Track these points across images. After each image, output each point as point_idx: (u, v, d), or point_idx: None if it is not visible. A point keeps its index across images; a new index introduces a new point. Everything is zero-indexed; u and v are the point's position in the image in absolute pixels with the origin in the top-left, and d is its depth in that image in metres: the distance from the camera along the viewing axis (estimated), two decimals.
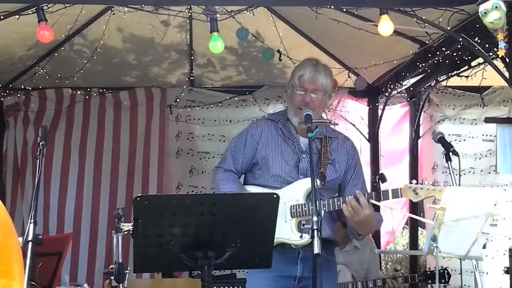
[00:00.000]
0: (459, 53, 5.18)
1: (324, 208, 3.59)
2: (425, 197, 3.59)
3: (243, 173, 3.90)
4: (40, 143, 3.51)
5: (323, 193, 3.67)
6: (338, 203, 3.59)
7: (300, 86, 3.72)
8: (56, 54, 5.98)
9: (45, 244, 3.16)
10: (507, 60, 4.08)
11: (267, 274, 3.53)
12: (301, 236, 3.61)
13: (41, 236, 3.11)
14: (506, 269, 5.00)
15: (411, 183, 3.58)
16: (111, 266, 3.30)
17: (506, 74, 4.13)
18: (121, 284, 3.31)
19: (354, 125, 6.79)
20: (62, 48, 5.96)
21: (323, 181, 3.68)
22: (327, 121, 3.89)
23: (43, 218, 6.31)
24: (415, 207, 6.73)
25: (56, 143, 6.47)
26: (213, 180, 3.92)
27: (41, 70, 6.10)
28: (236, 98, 6.72)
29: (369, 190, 4.13)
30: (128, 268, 3.30)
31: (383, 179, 6.26)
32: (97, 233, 6.40)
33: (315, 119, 3.58)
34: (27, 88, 6.38)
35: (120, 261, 3.30)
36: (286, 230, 3.63)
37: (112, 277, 3.29)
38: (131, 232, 2.97)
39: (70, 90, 6.51)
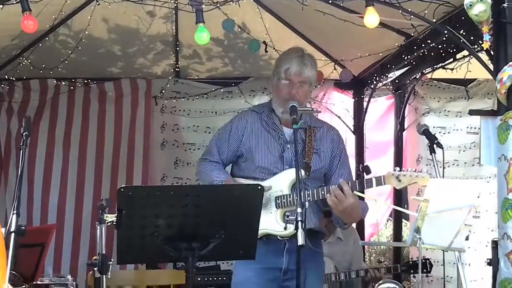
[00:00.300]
0: (444, 45, 5.20)
1: (309, 198, 3.59)
2: (408, 184, 3.59)
3: (227, 165, 3.89)
4: (24, 134, 3.48)
5: (308, 183, 3.67)
6: (323, 192, 3.59)
7: (286, 78, 3.70)
8: (40, 45, 5.95)
9: (28, 235, 3.14)
10: (492, 52, 4.10)
11: (253, 266, 3.53)
12: (285, 228, 3.61)
13: (23, 227, 3.09)
14: (488, 260, 5.03)
15: (394, 170, 3.58)
16: (94, 258, 3.28)
17: (491, 66, 4.15)
18: (104, 276, 3.30)
19: (339, 117, 6.80)
20: (47, 38, 5.93)
21: (308, 171, 3.68)
22: (311, 109, 3.88)
23: (26, 209, 6.27)
24: (399, 199, 6.78)
25: (40, 134, 6.44)
26: (198, 171, 3.88)
27: (25, 61, 6.06)
28: (221, 90, 6.71)
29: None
30: (112, 260, 3.28)
31: (367, 171, 6.29)
32: (81, 224, 6.37)
33: (300, 107, 3.59)
34: (11, 78, 6.33)
35: (104, 252, 3.28)
36: (271, 221, 3.63)
37: (95, 269, 3.27)
38: (114, 223, 2.96)
39: (55, 81, 6.47)
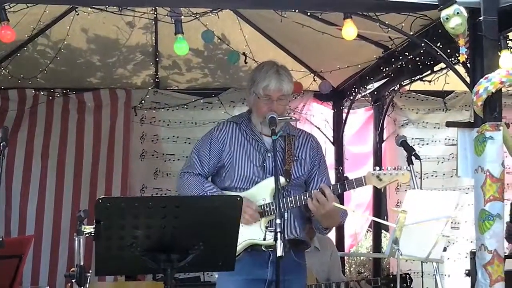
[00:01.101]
0: (422, 58, 5.25)
1: (292, 205, 3.61)
2: (389, 182, 3.62)
3: (209, 176, 3.88)
4: (1, 144, 3.46)
5: (290, 190, 3.69)
6: (305, 198, 3.61)
7: (265, 95, 3.71)
8: (19, 54, 5.91)
9: (5, 246, 3.11)
10: (468, 65, 4.14)
11: (238, 277, 3.53)
12: (264, 238, 3.61)
13: (1, 239, 3.07)
14: (467, 271, 5.07)
15: (374, 169, 3.60)
16: (72, 269, 3.26)
17: (467, 79, 4.19)
18: (82, 287, 3.27)
19: (319, 128, 6.83)
20: (25, 48, 5.90)
21: (288, 177, 3.69)
22: (289, 118, 3.90)
23: (4, 219, 6.23)
24: (379, 210, 6.81)
25: (18, 144, 6.39)
26: (181, 185, 3.82)
27: (4, 70, 6.02)
28: (201, 101, 6.71)
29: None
30: (90, 271, 3.26)
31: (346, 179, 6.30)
32: (60, 235, 6.32)
33: (279, 117, 3.63)
34: None
35: (82, 264, 3.26)
36: (255, 231, 3.64)
37: (73, 280, 3.25)
38: (93, 234, 2.94)
39: (33, 91, 6.43)
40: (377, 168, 3.63)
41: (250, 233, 3.59)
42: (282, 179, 3.54)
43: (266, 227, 3.63)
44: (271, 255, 3.63)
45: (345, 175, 6.63)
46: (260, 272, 3.65)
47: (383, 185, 3.63)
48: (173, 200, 3.27)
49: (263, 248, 3.65)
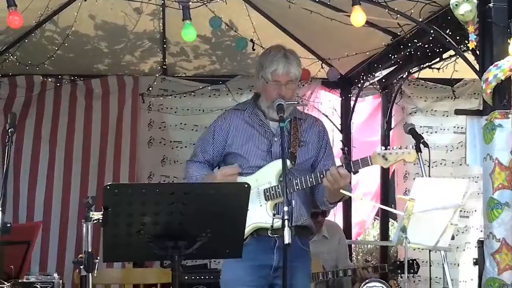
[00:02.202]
0: (431, 45, 5.21)
1: (297, 187, 3.60)
2: (394, 162, 3.61)
3: (215, 165, 3.89)
4: (9, 130, 3.46)
5: (296, 174, 3.69)
6: (311, 179, 3.60)
7: (273, 80, 3.70)
8: (26, 41, 5.90)
9: (14, 232, 3.13)
10: (478, 52, 4.12)
11: (243, 263, 3.50)
12: (272, 226, 3.61)
13: (9, 225, 3.08)
14: (474, 260, 5.06)
15: (380, 149, 3.59)
16: (80, 256, 3.26)
17: (477, 66, 4.17)
18: (90, 274, 3.28)
19: (326, 116, 6.81)
20: (33, 34, 5.88)
21: (294, 161, 3.69)
22: (297, 102, 3.89)
23: (12, 206, 6.24)
24: (386, 199, 6.80)
25: (26, 130, 6.40)
26: (186, 174, 3.87)
27: (11, 57, 6.02)
28: (209, 88, 6.70)
29: None
30: (98, 258, 3.27)
31: (356, 171, 6.27)
32: (67, 222, 6.34)
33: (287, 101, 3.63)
34: None
35: (90, 250, 3.27)
36: (262, 214, 3.63)
37: (81, 267, 3.26)
38: (101, 221, 2.94)
39: (41, 77, 6.43)
40: (383, 147, 3.62)
41: (256, 217, 3.59)
42: (287, 162, 3.53)
43: (274, 214, 3.62)
44: (277, 241, 3.63)
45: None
46: (266, 258, 3.66)
47: (389, 164, 3.62)
48: (181, 187, 3.28)
49: (269, 234, 3.65)
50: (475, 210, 6.48)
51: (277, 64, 3.68)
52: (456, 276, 6.52)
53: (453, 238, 3.55)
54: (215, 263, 5.33)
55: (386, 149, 3.60)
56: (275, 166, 3.66)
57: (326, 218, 5.88)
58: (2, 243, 2.96)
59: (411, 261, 5.36)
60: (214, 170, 3.82)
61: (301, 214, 3.72)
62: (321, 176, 3.58)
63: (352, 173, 3.66)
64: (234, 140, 3.78)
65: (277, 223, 3.53)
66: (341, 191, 3.53)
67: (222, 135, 3.80)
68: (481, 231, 6.42)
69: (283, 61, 3.69)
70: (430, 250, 4.03)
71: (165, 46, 6.29)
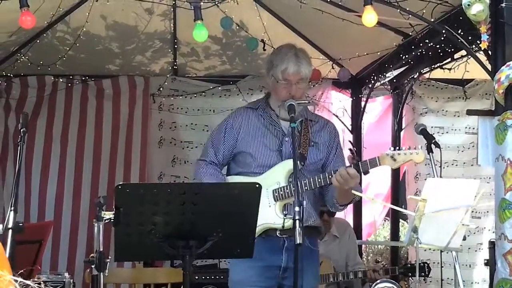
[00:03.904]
0: (442, 45, 5.20)
1: (306, 187, 3.59)
2: (403, 162, 3.59)
3: (225, 163, 3.88)
4: (21, 130, 3.48)
5: (306, 174, 3.68)
6: (319, 180, 3.60)
7: (284, 79, 3.69)
8: (38, 41, 5.93)
9: (26, 231, 3.13)
10: (490, 53, 4.10)
11: (252, 264, 3.51)
12: (283, 226, 3.60)
13: (21, 224, 3.09)
14: (486, 261, 5.04)
15: (389, 150, 3.57)
16: (91, 255, 3.27)
17: (489, 67, 4.15)
18: (101, 273, 3.29)
19: (337, 116, 6.80)
20: (45, 35, 5.91)
21: (303, 161, 3.68)
22: (307, 102, 3.88)
23: (24, 205, 6.26)
24: (397, 199, 6.78)
25: (37, 130, 6.43)
26: (196, 174, 3.87)
27: (23, 57, 6.04)
28: (219, 88, 6.70)
29: None
30: (109, 257, 3.27)
31: (365, 171, 6.27)
32: (78, 221, 6.36)
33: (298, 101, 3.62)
34: (9, 75, 6.32)
35: (101, 249, 3.27)
36: (271, 215, 3.63)
37: (92, 266, 3.27)
38: (112, 220, 2.95)
39: (52, 78, 6.46)
40: (391, 148, 3.60)
41: (265, 217, 3.57)
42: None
43: (285, 214, 3.62)
44: (286, 242, 3.63)
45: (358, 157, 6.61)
46: (275, 258, 3.65)
47: (398, 165, 3.61)
48: (192, 187, 3.28)
49: (277, 234, 3.64)
50: (487, 212, 6.46)
51: (288, 63, 3.67)
52: (468, 277, 6.50)
53: (464, 239, 3.54)
54: (225, 263, 5.33)
55: (394, 149, 3.58)
56: (285, 167, 3.66)
57: (336, 216, 5.87)
58: (15, 242, 2.96)
59: (422, 264, 5.34)
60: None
61: (310, 215, 3.71)
62: (330, 176, 3.58)
63: (362, 173, 3.65)
64: (244, 138, 3.78)
65: (288, 223, 3.53)
66: (353, 191, 3.52)
67: (233, 133, 3.80)
68: (494, 232, 6.42)
69: (294, 60, 3.68)
70: (441, 251, 4.01)
71: (176, 46, 6.30)
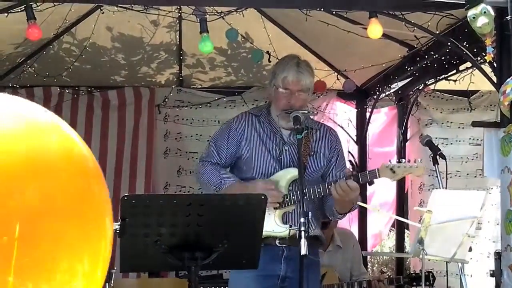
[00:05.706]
0: (447, 57, 5.21)
1: (305, 197, 3.58)
2: (402, 175, 3.57)
3: (227, 166, 3.87)
4: None
5: (305, 184, 3.66)
6: (319, 190, 3.59)
7: (284, 87, 3.70)
8: (44, 52, 5.96)
9: None
10: (495, 65, 4.11)
11: (251, 273, 3.50)
12: (288, 233, 3.60)
13: None
14: (491, 272, 5.03)
15: (389, 162, 3.56)
16: None
17: (494, 78, 4.16)
18: (107, 284, 3.30)
19: (342, 127, 6.80)
20: (51, 46, 5.95)
21: (303, 171, 3.68)
22: (307, 111, 3.89)
23: None
24: (402, 210, 6.77)
25: None
26: (201, 172, 3.82)
27: (29, 68, 6.07)
28: (224, 99, 6.72)
29: None
30: (115, 268, 3.28)
31: (370, 182, 6.27)
32: None
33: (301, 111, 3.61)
34: (15, 86, 6.33)
35: None
36: (270, 223, 3.60)
37: None
38: (117, 231, 2.96)
39: (58, 89, 6.47)
40: (392, 160, 3.59)
41: (265, 226, 3.56)
42: (296, 171, 3.52)
43: (290, 225, 3.61)
44: (285, 251, 3.63)
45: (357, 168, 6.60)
46: (274, 267, 3.63)
47: (397, 178, 3.59)
48: (198, 198, 3.29)
49: (276, 243, 3.64)
50: (488, 222, 6.45)
51: (288, 71, 3.68)
52: (468, 286, 6.47)
53: (470, 250, 3.54)
54: (229, 273, 5.33)
55: (395, 161, 3.58)
56: (285, 175, 3.66)
57: (339, 226, 5.86)
58: None
59: (426, 273, 5.33)
60: (255, 180, 3.72)
61: (312, 225, 3.69)
62: (329, 186, 3.57)
63: (368, 184, 3.65)
64: (246, 144, 3.78)
65: (284, 232, 3.54)
66: (359, 202, 3.53)
67: (236, 137, 3.80)
68: (494, 242, 6.41)
69: (295, 69, 3.69)
70: (447, 262, 4.00)
71: (181, 58, 6.33)
